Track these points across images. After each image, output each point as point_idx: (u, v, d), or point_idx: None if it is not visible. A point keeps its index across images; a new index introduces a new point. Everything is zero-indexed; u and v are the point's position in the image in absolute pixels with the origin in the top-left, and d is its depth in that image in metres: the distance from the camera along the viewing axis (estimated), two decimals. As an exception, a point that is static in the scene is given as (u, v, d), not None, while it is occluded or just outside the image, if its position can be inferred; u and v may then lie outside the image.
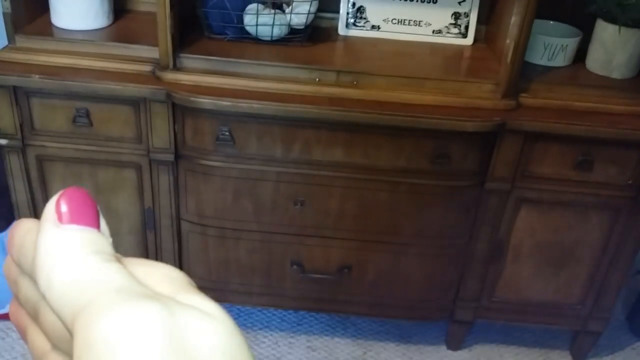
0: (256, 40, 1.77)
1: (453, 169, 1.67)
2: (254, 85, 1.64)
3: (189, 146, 1.70)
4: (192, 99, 1.59)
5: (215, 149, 1.68)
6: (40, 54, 1.67)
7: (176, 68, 1.65)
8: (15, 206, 1.83)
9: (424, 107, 1.62)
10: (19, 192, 1.80)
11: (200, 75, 1.64)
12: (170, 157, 1.72)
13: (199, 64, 1.66)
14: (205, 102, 1.59)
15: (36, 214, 1.84)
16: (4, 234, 1.87)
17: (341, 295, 1.88)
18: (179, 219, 1.82)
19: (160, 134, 1.69)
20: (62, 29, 1.76)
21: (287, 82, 1.65)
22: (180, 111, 1.65)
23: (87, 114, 1.67)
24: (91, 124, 1.69)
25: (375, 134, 1.63)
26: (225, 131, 1.65)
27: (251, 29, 1.76)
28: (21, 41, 1.69)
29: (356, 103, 1.62)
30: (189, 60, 1.66)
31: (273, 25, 1.74)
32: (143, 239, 1.87)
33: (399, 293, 1.86)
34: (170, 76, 1.64)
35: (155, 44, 1.64)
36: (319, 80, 1.66)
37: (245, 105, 1.58)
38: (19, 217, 1.85)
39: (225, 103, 1.58)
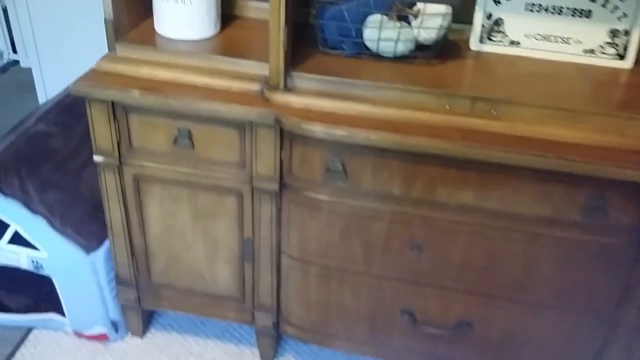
0: (376, 56, 1.56)
1: (609, 223, 1.38)
2: (373, 112, 1.42)
3: (295, 176, 1.51)
4: (303, 126, 1.40)
5: (324, 181, 1.48)
6: (141, 65, 1.54)
7: (287, 88, 1.47)
8: (109, 226, 1.72)
9: (577, 147, 1.34)
10: (114, 212, 1.70)
11: (312, 97, 1.45)
12: (275, 186, 1.54)
13: (313, 84, 1.46)
14: (318, 130, 1.39)
15: (130, 235, 1.74)
16: (96, 253, 1.78)
17: (457, 353, 1.64)
18: (279, 252, 1.65)
19: (266, 160, 1.51)
20: (166, 38, 1.62)
21: (411, 109, 1.42)
22: (288, 137, 1.47)
23: (189, 135, 1.52)
24: (193, 146, 1.54)
25: (515, 176, 1.37)
26: (337, 162, 1.44)
27: (372, 44, 1.54)
28: (122, 50, 1.57)
29: (494, 138, 1.36)
30: (301, 80, 1.47)
31: (397, 40, 1.51)
32: (240, 270, 1.71)
33: (526, 358, 1.60)
34: (280, 98, 1.45)
35: (265, 59, 1.46)
36: (449, 108, 1.41)
37: (362, 136, 1.37)
38: (112, 238, 1.75)
39: (339, 132, 1.38)
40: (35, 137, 1.89)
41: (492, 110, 1.40)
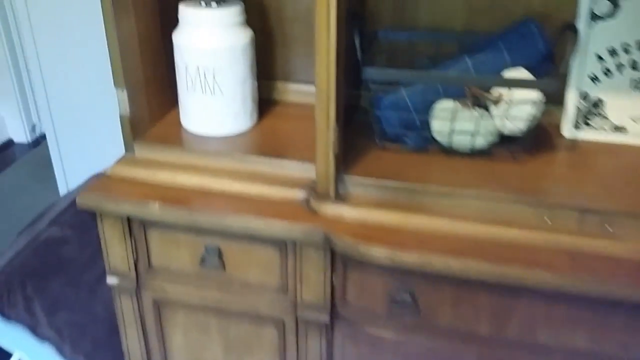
0: (448, 150, 1.26)
1: None
2: (450, 228, 1.11)
3: (351, 306, 1.20)
4: (360, 249, 1.09)
5: (388, 314, 1.17)
6: (163, 169, 1.28)
7: (339, 197, 1.18)
8: (126, 354, 1.44)
9: None
10: (131, 340, 1.41)
11: (371, 208, 1.15)
12: (325, 317, 1.23)
13: (370, 191, 1.17)
14: (380, 255, 1.08)
15: (150, 368, 1.44)
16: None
17: None
18: (332, 397, 1.33)
19: (313, 286, 1.21)
20: (193, 134, 1.36)
21: (500, 224, 1.10)
22: (341, 260, 1.17)
23: (219, 254, 1.24)
24: (223, 267, 1.25)
25: (645, 315, 1.03)
26: (405, 293, 1.13)
27: (442, 138, 1.25)
28: (141, 150, 1.31)
29: (613, 264, 1.03)
30: (356, 186, 1.17)
31: (476, 133, 1.21)
32: (282, 415, 1.39)
33: None
34: (330, 210, 1.16)
35: (311, 158, 1.18)
36: (550, 223, 1.09)
37: (438, 263, 1.06)
38: (130, 370, 1.46)
39: (408, 259, 1.07)
40: (46, 245, 1.65)
41: (606, 225, 1.08)
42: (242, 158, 1.27)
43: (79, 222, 1.74)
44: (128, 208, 1.23)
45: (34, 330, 1.48)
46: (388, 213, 1.14)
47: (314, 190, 1.19)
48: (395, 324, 1.17)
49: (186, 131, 1.38)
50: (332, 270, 1.19)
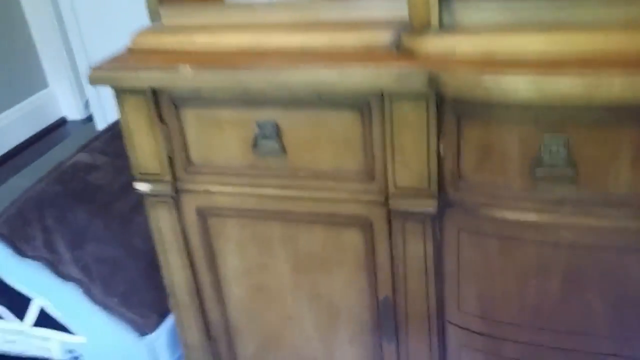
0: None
1: None
2: (618, 43, 0.74)
3: (469, 183, 0.85)
4: (487, 81, 0.73)
5: (530, 187, 0.80)
6: (199, 32, 0.95)
7: (445, 28, 0.82)
8: (170, 292, 1.12)
9: None
10: (175, 270, 1.09)
11: (494, 35, 0.79)
12: (431, 205, 0.88)
13: (490, 14, 0.81)
14: (519, 86, 0.72)
15: (202, 305, 1.12)
16: (154, 335, 1.18)
17: None
18: (443, 321, 0.97)
19: (412, 161, 0.86)
20: (235, -8, 1.04)
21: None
22: (453, 113, 0.81)
23: (277, 133, 0.91)
24: (284, 149, 0.92)
25: None
26: (560, 147, 0.77)
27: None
28: (170, 15, 0.99)
29: None
30: (468, 9, 0.81)
31: None
32: (376, 353, 1.05)
33: None
34: (432, 45, 0.81)
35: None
36: None
37: (621, 84, 0.69)
38: (178, 310, 1.15)
39: (567, 86, 0.71)
40: (71, 170, 1.35)
41: None
42: (303, 4, 0.93)
43: (112, 149, 1.44)
44: (153, 77, 0.91)
45: (56, 268, 1.19)
46: (520, 36, 0.78)
47: (403, 28, 0.84)
48: (541, 200, 0.81)
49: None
50: (439, 134, 0.84)
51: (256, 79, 0.86)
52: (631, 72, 0.68)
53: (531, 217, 0.83)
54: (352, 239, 0.97)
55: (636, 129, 0.73)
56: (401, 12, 0.86)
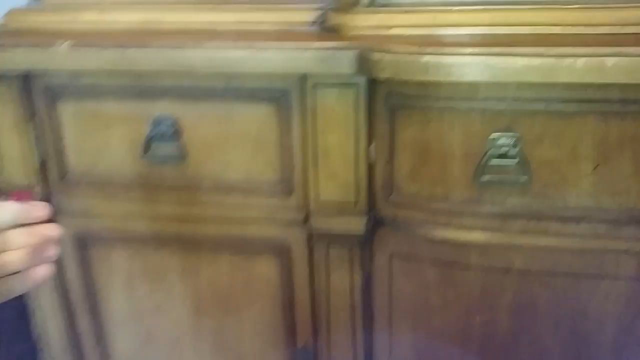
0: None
1: None
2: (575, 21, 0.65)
3: (403, 195, 0.71)
4: (431, 57, 0.61)
5: (475, 198, 0.67)
6: (85, 10, 0.81)
7: (376, 5, 0.71)
8: (42, 342, 0.90)
9: None
10: (48, 314, 0.88)
11: (434, 11, 0.68)
12: (359, 224, 0.73)
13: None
14: (457, 64, 0.61)
15: (81, 357, 0.91)
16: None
17: None
18: (373, 372, 0.80)
19: (337, 167, 0.72)
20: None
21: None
22: (386, 107, 0.68)
23: (176, 132, 0.75)
24: (183, 155, 0.76)
25: None
26: (508, 148, 0.65)
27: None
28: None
29: None
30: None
31: None
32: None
33: None
34: (364, 20, 0.69)
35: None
36: None
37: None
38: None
39: (521, 64, 0.59)
40: None
41: None
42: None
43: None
44: (21, 58, 0.74)
45: None
46: (464, 14, 0.67)
47: (330, 5, 0.73)
48: (487, 215, 0.67)
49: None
50: (370, 134, 0.70)
51: (150, 59, 0.70)
52: (594, 51, 0.58)
53: (476, 236, 0.69)
54: (266, 269, 0.80)
55: (599, 123, 0.62)
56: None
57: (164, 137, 0.75)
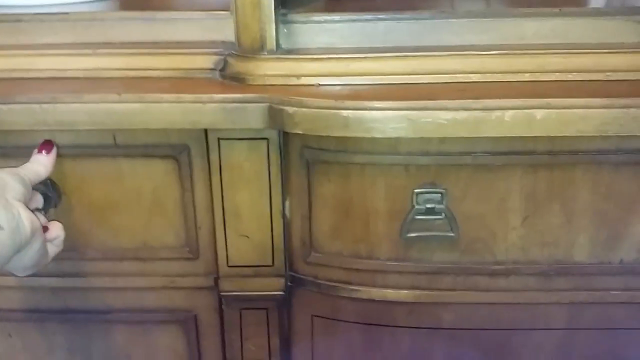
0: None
1: None
2: (488, 69, 0.63)
3: (324, 254, 0.66)
4: (350, 111, 0.57)
5: (401, 256, 0.64)
6: None
7: (283, 52, 0.65)
8: None
9: None
10: None
11: (347, 59, 0.64)
12: (277, 287, 0.68)
13: (341, 36, 0.66)
14: (378, 119, 0.57)
15: None
16: None
17: None
18: None
19: (250, 227, 0.65)
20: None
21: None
22: (301, 161, 0.63)
23: (54, 195, 0.65)
24: (67, 222, 0.66)
25: None
26: (434, 204, 0.62)
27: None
28: None
29: None
30: (315, 30, 0.66)
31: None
32: None
33: None
34: (272, 68, 0.63)
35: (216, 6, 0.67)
36: (659, 48, 0.65)
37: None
38: None
39: (446, 118, 0.57)
40: None
41: None
42: (88, 17, 0.71)
43: None
44: None
45: None
46: (380, 62, 0.64)
47: (227, 53, 0.66)
48: (414, 272, 0.65)
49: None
50: (284, 190, 0.65)
51: (17, 116, 0.61)
52: (522, 104, 0.57)
53: (403, 294, 0.66)
54: (170, 341, 0.73)
55: (527, 175, 0.61)
56: (220, 34, 0.68)
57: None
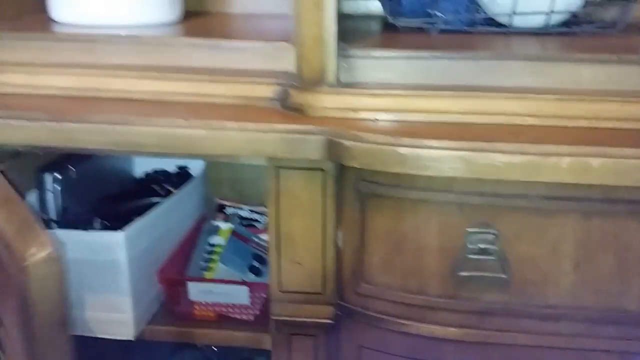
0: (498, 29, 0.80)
1: None
2: (545, 111, 0.65)
3: (374, 286, 0.68)
4: (402, 149, 0.60)
5: (451, 294, 0.66)
6: (14, 71, 0.74)
7: (341, 84, 0.68)
8: None
9: None
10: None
11: (406, 95, 0.66)
12: (326, 314, 0.70)
13: (399, 72, 0.68)
14: (434, 157, 0.59)
15: None
16: None
17: None
18: None
19: (303, 254, 0.69)
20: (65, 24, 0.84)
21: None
22: (356, 194, 0.66)
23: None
24: None
25: None
26: (486, 244, 0.64)
27: (502, 16, 0.79)
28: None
29: None
30: (374, 66, 0.69)
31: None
32: None
33: None
34: (332, 101, 0.66)
35: (277, 36, 0.71)
36: None
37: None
38: None
39: (502, 161, 0.58)
40: None
41: None
42: (158, 41, 0.76)
43: None
44: None
45: None
46: (437, 100, 0.66)
47: (289, 83, 0.69)
48: (463, 310, 0.66)
49: (55, 21, 0.85)
50: (338, 220, 0.68)
51: (90, 135, 0.65)
52: (579, 150, 0.58)
53: (451, 332, 0.68)
54: None
55: (581, 221, 0.62)
56: (282, 64, 0.71)
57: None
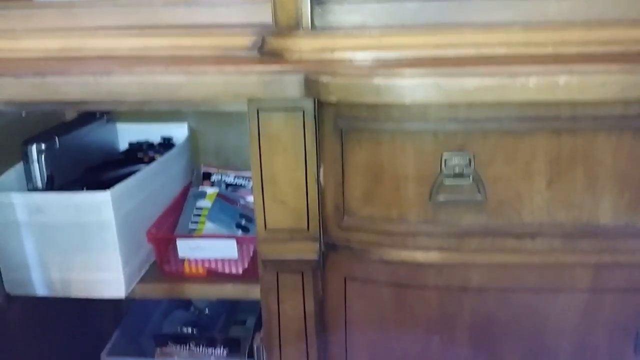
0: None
1: None
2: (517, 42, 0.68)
3: (356, 218, 0.71)
4: (381, 79, 0.63)
5: (430, 219, 0.69)
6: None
7: (317, 30, 0.71)
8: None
9: None
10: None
11: (378, 35, 0.70)
12: (312, 250, 0.73)
13: (371, 15, 0.72)
14: (408, 86, 0.62)
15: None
16: None
17: None
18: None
19: (286, 193, 0.71)
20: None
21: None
22: (335, 130, 0.69)
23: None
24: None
25: None
26: (462, 167, 0.67)
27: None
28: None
29: None
30: (346, 10, 0.72)
31: None
32: None
33: None
34: (308, 44, 0.69)
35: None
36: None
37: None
38: None
39: (473, 84, 0.62)
40: None
41: None
42: (136, 3, 0.78)
43: None
44: None
45: None
46: (409, 37, 0.69)
47: (268, 31, 0.72)
48: (443, 234, 0.70)
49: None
50: (319, 157, 0.71)
51: (72, 87, 0.68)
52: (546, 70, 0.61)
53: (432, 256, 0.71)
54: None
55: (551, 140, 0.65)
56: (257, 17, 0.74)
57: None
